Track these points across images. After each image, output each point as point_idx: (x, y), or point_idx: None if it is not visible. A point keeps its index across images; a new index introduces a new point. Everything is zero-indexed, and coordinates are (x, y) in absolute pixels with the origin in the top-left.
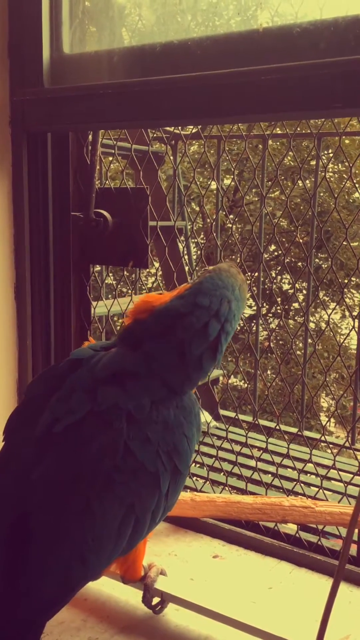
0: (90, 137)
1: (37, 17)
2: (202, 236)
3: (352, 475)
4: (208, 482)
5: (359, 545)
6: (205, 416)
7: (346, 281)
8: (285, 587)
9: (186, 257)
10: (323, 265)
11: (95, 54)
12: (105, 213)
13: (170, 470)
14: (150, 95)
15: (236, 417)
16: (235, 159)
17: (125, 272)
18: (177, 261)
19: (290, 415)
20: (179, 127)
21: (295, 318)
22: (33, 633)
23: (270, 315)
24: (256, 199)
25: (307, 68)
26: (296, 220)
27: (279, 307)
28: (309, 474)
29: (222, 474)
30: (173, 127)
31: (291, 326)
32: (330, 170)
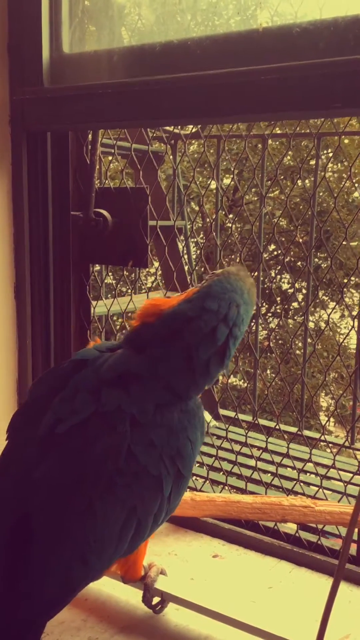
0: (90, 136)
1: (37, 17)
2: (201, 236)
3: (351, 475)
4: (208, 481)
5: (358, 544)
6: (205, 416)
7: (345, 281)
8: (285, 586)
9: (186, 256)
10: (322, 265)
11: (95, 53)
12: (104, 212)
13: (173, 474)
14: (150, 94)
15: (236, 416)
16: (234, 158)
17: (125, 272)
18: (176, 261)
19: (290, 414)
20: (179, 127)
21: (295, 317)
22: (33, 633)
23: (270, 314)
24: (256, 198)
25: (307, 68)
26: (296, 220)
27: (278, 307)
28: (308, 474)
29: (221, 473)
30: (173, 127)
31: (291, 326)
32: (330, 169)
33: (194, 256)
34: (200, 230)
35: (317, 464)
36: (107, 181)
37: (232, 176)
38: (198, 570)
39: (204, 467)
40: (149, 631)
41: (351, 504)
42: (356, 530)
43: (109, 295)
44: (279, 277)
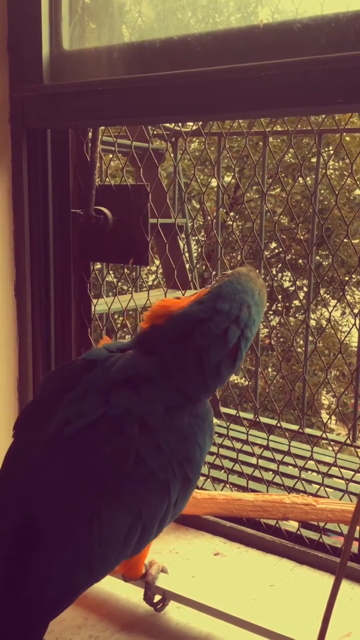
0: (90, 134)
1: (37, 14)
2: (202, 234)
3: (353, 473)
4: (209, 479)
5: None
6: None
7: (347, 278)
8: (287, 584)
9: (187, 254)
10: (324, 263)
11: (95, 50)
12: (105, 210)
13: (181, 479)
14: (150, 91)
15: (237, 414)
16: (235, 156)
17: (125, 270)
18: (177, 259)
19: (292, 412)
20: (179, 124)
21: (296, 315)
22: (34, 637)
23: (271, 312)
24: (257, 196)
25: (308, 64)
26: (297, 218)
27: (279, 305)
28: (310, 472)
29: (223, 471)
30: (173, 124)
31: (292, 324)
32: (331, 167)
33: (195, 254)
34: (202, 228)
35: (318, 462)
36: (107, 179)
37: (233, 174)
38: (199, 568)
39: (205, 465)
40: (149, 629)
41: (353, 501)
42: (358, 528)
43: (110, 294)
44: (280, 275)
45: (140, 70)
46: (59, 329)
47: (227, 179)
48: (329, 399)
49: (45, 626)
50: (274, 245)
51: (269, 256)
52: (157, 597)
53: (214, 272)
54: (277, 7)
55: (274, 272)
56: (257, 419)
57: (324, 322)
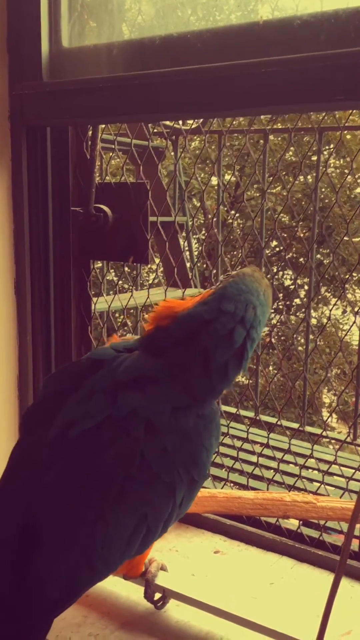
0: (90, 131)
1: (36, 11)
2: (203, 232)
3: (353, 471)
4: (209, 477)
5: None
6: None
7: (348, 277)
8: (287, 582)
9: (187, 253)
10: (325, 261)
11: (95, 47)
12: (105, 208)
13: (186, 481)
14: (150, 88)
15: (237, 412)
16: (236, 154)
17: (126, 268)
18: (178, 257)
19: (292, 410)
20: (180, 122)
21: (297, 314)
22: (36, 636)
23: (272, 311)
24: (257, 194)
25: (308, 60)
26: (297, 216)
27: (280, 303)
28: (310, 470)
29: (223, 469)
30: (173, 122)
31: (293, 322)
32: (332, 165)
33: (195, 252)
34: (202, 226)
35: (319, 460)
36: (107, 177)
37: (233, 172)
38: (199, 566)
39: None
40: (150, 627)
41: (353, 499)
42: (358, 526)
43: (110, 292)
44: (281, 273)
45: (140, 67)
46: (59, 327)
47: (228, 177)
48: (330, 397)
49: (48, 626)
50: (274, 243)
51: (269, 254)
52: (157, 595)
53: (214, 271)
54: (277, 4)
55: (275, 271)
56: (258, 417)
57: (324, 320)
